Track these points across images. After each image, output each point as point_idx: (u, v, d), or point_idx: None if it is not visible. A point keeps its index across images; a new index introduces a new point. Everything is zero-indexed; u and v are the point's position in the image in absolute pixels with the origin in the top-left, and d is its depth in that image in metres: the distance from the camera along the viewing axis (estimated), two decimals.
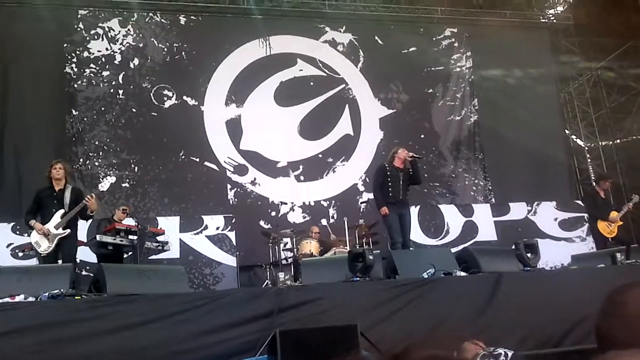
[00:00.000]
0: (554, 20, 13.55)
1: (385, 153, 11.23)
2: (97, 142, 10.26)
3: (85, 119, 10.31)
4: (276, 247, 8.90)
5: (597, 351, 1.17)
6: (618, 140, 13.57)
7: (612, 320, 1.16)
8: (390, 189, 7.33)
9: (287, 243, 9.10)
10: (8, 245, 8.47)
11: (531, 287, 5.31)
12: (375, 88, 11.92)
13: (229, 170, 10.68)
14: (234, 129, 10.95)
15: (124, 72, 10.72)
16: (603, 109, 13.45)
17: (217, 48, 11.33)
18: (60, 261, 6.37)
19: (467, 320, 4.86)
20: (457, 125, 12.14)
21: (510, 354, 2.38)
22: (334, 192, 10.91)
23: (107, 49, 10.72)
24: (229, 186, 10.63)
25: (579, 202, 11.44)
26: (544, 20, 13.47)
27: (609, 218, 8.36)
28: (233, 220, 9.63)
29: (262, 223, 10.39)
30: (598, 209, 8.55)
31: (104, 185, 6.13)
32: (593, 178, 13.28)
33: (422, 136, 11.90)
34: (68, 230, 6.45)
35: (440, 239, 10.38)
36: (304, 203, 10.82)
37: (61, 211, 6.48)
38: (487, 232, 10.50)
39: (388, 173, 7.43)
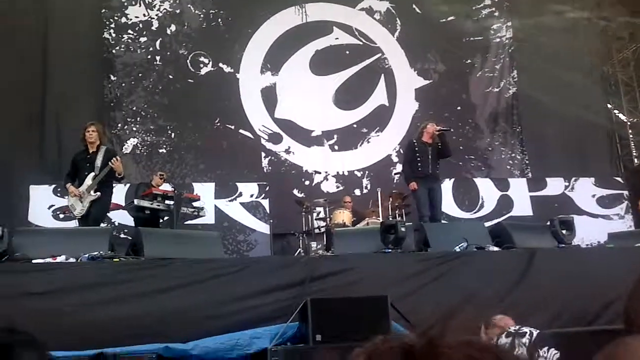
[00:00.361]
0: None
1: (420, 124, 11.19)
2: (134, 108, 10.38)
3: (123, 84, 10.43)
4: (309, 216, 8.96)
5: (623, 333, 1.16)
6: None
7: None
8: (419, 164, 7.36)
9: (320, 212, 9.14)
10: (50, 207, 8.74)
11: (565, 264, 5.28)
12: (411, 58, 11.72)
13: (264, 139, 10.72)
14: (269, 97, 10.94)
15: (161, 39, 10.76)
16: None
17: (253, 15, 11.25)
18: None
19: (499, 296, 4.87)
20: (496, 97, 11.89)
21: (535, 332, 2.38)
22: (368, 162, 10.85)
23: (144, 15, 10.76)
24: (263, 154, 10.68)
25: (619, 178, 11.20)
26: None
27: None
28: (267, 188, 9.72)
29: (295, 192, 10.44)
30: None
31: (127, 147, 6.15)
32: (635, 154, 12.94)
33: (459, 108, 11.70)
34: (98, 194, 6.48)
35: (475, 213, 10.29)
36: (337, 173, 10.81)
37: (92, 174, 6.55)
38: (522, 207, 10.37)
39: (416, 148, 7.47)
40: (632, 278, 4.40)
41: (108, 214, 8.50)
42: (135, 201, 7.28)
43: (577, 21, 12.38)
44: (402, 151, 10.68)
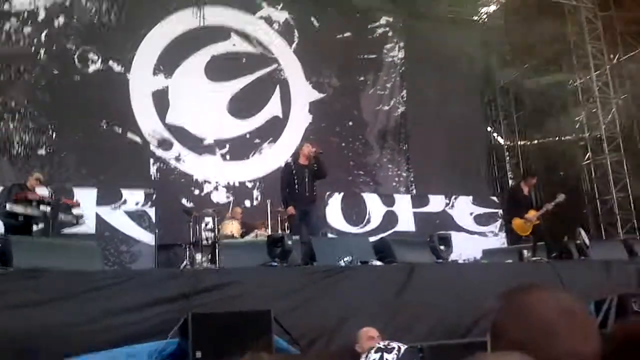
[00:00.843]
0: (486, 20, 13.95)
1: (313, 137, 11.34)
2: (13, 104, 9.67)
3: (0, 77, 9.69)
4: (197, 227, 8.75)
5: (493, 347, 1.23)
6: (536, 141, 14.22)
7: (509, 320, 1.22)
8: (297, 187, 7.42)
9: (209, 223, 8.98)
10: None
11: (442, 279, 5.54)
12: (307, 70, 11.88)
13: (153, 144, 10.36)
14: (161, 101, 10.60)
15: (47, 30, 10.12)
16: (525, 109, 14.03)
17: (149, 13, 10.87)
18: None
19: (381, 309, 5.01)
20: (385, 115, 12.32)
21: (403, 348, 2.48)
22: (260, 173, 10.81)
23: (30, 4, 10.07)
24: (151, 160, 10.31)
25: (495, 198, 11.97)
26: (476, 19, 13.84)
27: (526, 216, 8.04)
28: (154, 196, 9.40)
29: (184, 201, 10.18)
30: (517, 206, 8.29)
31: None
32: (510, 176, 13.90)
33: (351, 123, 12.01)
34: None
35: (362, 227, 10.58)
36: (228, 183, 10.69)
37: None
38: (406, 222, 10.81)
39: (294, 171, 7.53)
40: (502, 291, 4.65)
41: None
42: (7, 206, 6.75)
43: (464, 47, 13.13)
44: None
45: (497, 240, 11.43)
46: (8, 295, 3.97)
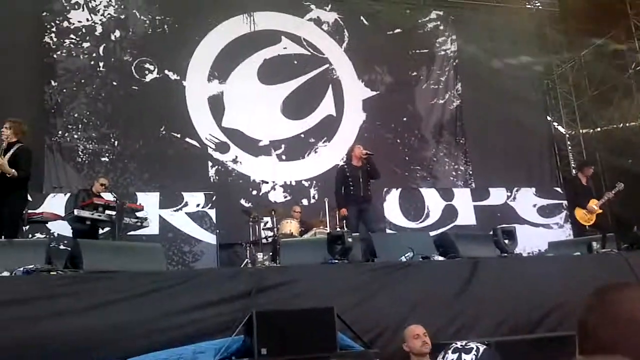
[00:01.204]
0: (540, 7, 13.55)
1: (367, 134, 11.32)
2: (76, 115, 10.06)
3: (64, 90, 10.09)
4: (256, 226, 8.85)
5: (581, 346, 1.15)
6: (599, 129, 13.68)
7: (600, 319, 1.14)
8: (352, 187, 7.62)
9: (267, 222, 9.06)
10: None
11: (507, 273, 5.39)
12: (359, 69, 11.85)
13: (211, 148, 10.58)
14: (216, 105, 10.82)
15: (104, 44, 10.49)
16: (585, 96, 13.53)
17: (201, 22, 11.13)
18: None
19: (444, 304, 4.92)
20: (440, 108, 12.15)
21: (482, 348, 2.40)
22: (316, 172, 10.86)
23: (87, 20, 10.47)
24: (210, 163, 10.54)
25: (558, 189, 11.58)
26: (529, 6, 13.46)
27: (588, 206, 8.11)
28: (214, 198, 9.57)
29: (242, 201, 10.35)
30: (578, 196, 8.27)
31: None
32: (573, 165, 13.42)
33: (405, 119, 11.89)
34: None
35: (420, 222, 10.43)
36: (285, 182, 10.78)
37: None
38: (466, 216, 10.59)
39: (348, 173, 7.72)
40: (572, 286, 4.50)
41: (47, 225, 8.23)
42: (75, 211, 7.01)
43: (518, 36, 12.80)
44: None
45: (563, 232, 11.05)
46: (78, 297, 4.11)
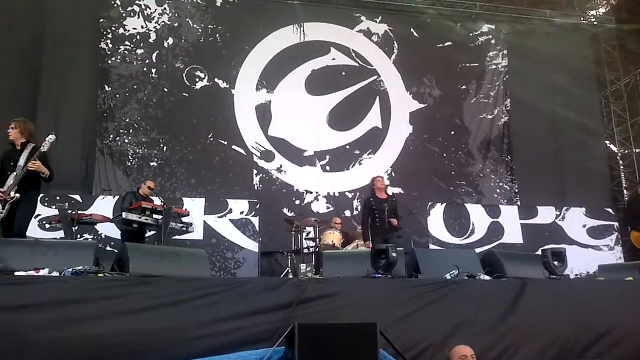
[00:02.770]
0: (595, 22, 13.22)
1: (412, 148, 11.23)
2: (127, 120, 10.32)
3: (117, 95, 10.37)
4: (299, 236, 8.88)
5: None
6: None
7: None
8: (377, 219, 7.83)
9: (309, 232, 9.08)
10: (36, 217, 8.58)
11: (556, 296, 5.22)
12: (407, 81, 11.78)
13: (256, 156, 10.68)
14: (263, 114, 10.93)
15: (157, 51, 10.74)
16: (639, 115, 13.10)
17: (251, 32, 11.28)
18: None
19: (489, 325, 4.80)
20: (489, 124, 11.94)
21: None
22: (359, 184, 10.81)
23: (142, 27, 10.75)
24: (254, 171, 10.63)
25: (610, 209, 11.22)
26: (584, 22, 13.14)
27: None
28: (257, 206, 9.66)
29: (285, 210, 10.39)
30: (635, 217, 7.97)
31: (45, 145, 5.72)
32: (625, 185, 12.99)
33: (452, 132, 11.74)
34: (17, 195, 5.74)
35: (465, 238, 10.27)
36: (328, 193, 10.78)
37: (14, 174, 5.84)
38: (513, 234, 10.38)
39: (373, 206, 7.92)
40: (623, 311, 4.35)
41: (95, 226, 8.42)
42: (123, 214, 7.18)
43: (572, 52, 12.50)
44: (394, 174, 10.76)
45: (613, 254, 10.72)
46: (124, 299, 4.16)
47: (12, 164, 5.90)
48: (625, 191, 12.88)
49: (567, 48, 12.49)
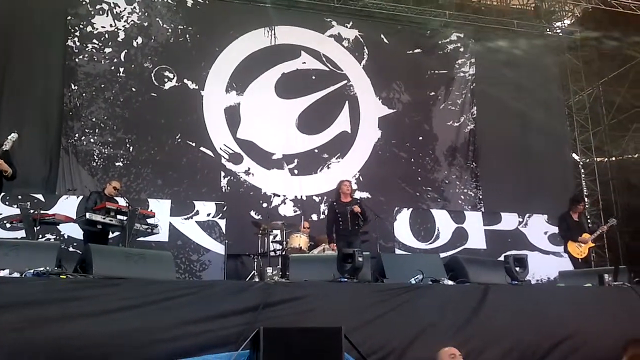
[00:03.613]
0: (560, 34, 13.56)
1: (381, 153, 11.33)
2: (94, 119, 10.15)
3: (84, 94, 10.19)
4: (265, 239, 8.86)
5: None
6: (613, 158, 13.61)
7: None
8: (341, 223, 7.87)
9: (276, 235, 9.07)
10: None
11: (518, 301, 5.34)
12: (377, 86, 11.86)
13: (224, 158, 10.62)
14: (233, 116, 10.87)
15: (126, 50, 10.59)
16: (601, 125, 13.48)
17: (222, 33, 11.22)
18: None
19: (452, 329, 4.87)
20: (455, 131, 12.11)
21: None
22: (327, 188, 10.76)
23: (111, 26, 10.59)
24: (222, 173, 10.56)
25: None
26: (550, 33, 13.47)
27: (580, 239, 8.50)
28: (224, 208, 9.60)
29: (252, 213, 10.35)
30: (570, 231, 8.68)
31: (7, 144, 5.63)
32: (586, 193, 13.35)
33: (421, 138, 11.87)
34: None
35: (430, 243, 10.39)
36: (295, 197, 10.77)
37: None
38: (477, 240, 10.53)
39: (337, 210, 7.98)
40: (583, 317, 4.49)
41: (58, 227, 8.28)
42: (87, 215, 7.06)
43: (537, 62, 12.79)
44: (362, 178, 10.84)
45: None
46: (87, 302, 4.11)
47: None
48: (586, 199, 13.23)
49: (533, 58, 12.77)
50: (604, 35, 12.39)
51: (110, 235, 7.64)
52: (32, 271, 4.28)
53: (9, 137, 5.92)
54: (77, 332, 3.95)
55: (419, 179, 11.63)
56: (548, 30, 13.45)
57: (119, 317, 4.08)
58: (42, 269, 4.31)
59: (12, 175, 5.94)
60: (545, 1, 12.93)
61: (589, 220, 9.92)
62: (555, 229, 10.99)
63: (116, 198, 7.84)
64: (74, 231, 8.36)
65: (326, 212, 8.40)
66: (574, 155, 13.41)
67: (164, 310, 4.21)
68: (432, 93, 12.19)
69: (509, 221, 10.93)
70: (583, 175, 13.50)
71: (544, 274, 10.18)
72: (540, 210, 11.25)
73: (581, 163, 13.57)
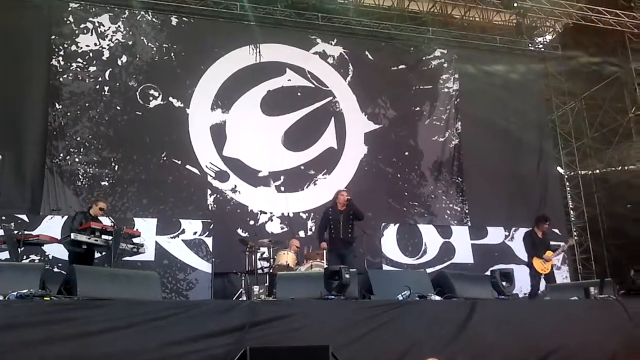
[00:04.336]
0: (542, 49, 13.76)
1: (367, 168, 11.36)
2: (78, 138, 10.10)
3: (68, 113, 10.15)
4: (253, 256, 8.83)
5: None
6: (597, 171, 13.75)
7: None
8: (332, 230, 8.15)
9: (264, 253, 9.04)
10: None
11: (505, 316, 5.34)
12: (362, 102, 11.94)
13: (210, 176, 10.59)
14: (218, 134, 10.87)
15: (110, 69, 10.59)
16: (584, 138, 13.64)
17: (207, 52, 11.26)
18: None
19: (440, 345, 4.86)
20: (440, 146, 12.20)
21: None
22: (314, 204, 10.82)
23: (95, 45, 10.59)
24: (209, 191, 10.53)
25: (557, 230, 11.57)
26: (532, 48, 13.66)
27: (544, 256, 9.01)
28: (211, 226, 9.57)
29: (239, 231, 10.31)
30: (535, 248, 9.18)
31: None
32: (571, 206, 13.46)
33: (407, 153, 11.94)
34: None
35: (417, 259, 10.42)
36: (282, 214, 10.76)
37: None
38: (464, 254, 10.59)
39: (330, 216, 8.25)
40: (570, 330, 4.49)
41: (42, 247, 8.19)
42: (72, 235, 6.99)
43: (520, 77, 12.94)
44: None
45: (559, 274, 11.01)
46: (72, 324, 4.06)
47: None
48: (572, 212, 13.35)
49: (516, 73, 12.93)
50: (585, 50, 12.58)
51: (96, 255, 7.57)
52: (15, 293, 4.22)
53: None
54: (62, 355, 3.89)
55: (406, 194, 11.68)
56: (530, 45, 13.64)
57: (105, 339, 4.03)
58: (25, 291, 4.25)
59: None
60: (527, 17, 13.11)
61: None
62: None
63: (101, 218, 7.78)
64: (59, 252, 8.29)
65: (321, 217, 8.60)
66: (558, 168, 13.54)
67: (150, 331, 4.15)
68: (417, 108, 12.29)
69: (495, 235, 11.01)
70: (568, 189, 13.63)
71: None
72: (526, 224, 11.31)
73: (566, 176, 13.70)
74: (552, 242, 9.49)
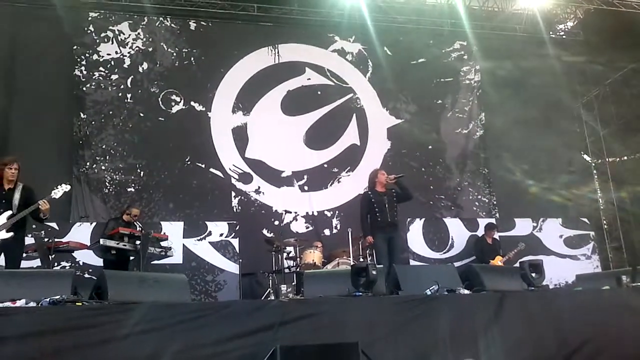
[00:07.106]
0: (564, 36, 13.53)
1: (391, 163, 11.29)
2: (104, 146, 10.25)
3: (93, 122, 10.31)
4: (279, 256, 8.87)
5: None
6: (625, 157, 13.47)
7: None
8: (378, 214, 7.64)
9: (290, 252, 9.07)
10: None
11: (535, 307, 5.29)
12: (383, 98, 11.89)
13: (234, 178, 10.66)
14: (240, 136, 10.94)
15: (132, 76, 10.73)
16: (611, 125, 13.38)
17: (226, 54, 11.33)
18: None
19: (469, 339, 4.83)
20: (464, 138, 12.09)
21: None
22: (338, 202, 10.84)
23: (116, 52, 10.74)
24: (233, 193, 10.60)
25: (585, 219, 11.40)
26: (553, 36, 13.44)
27: (492, 262, 9.30)
28: (237, 228, 9.63)
29: (265, 231, 10.36)
30: (484, 253, 9.60)
31: (57, 192, 5.84)
32: (600, 195, 13.21)
33: (430, 147, 11.85)
34: (11, 234, 6.05)
35: (445, 253, 10.34)
36: (307, 213, 10.77)
37: (8, 212, 6.10)
38: None
39: (372, 200, 7.74)
40: (602, 320, 4.45)
41: (73, 254, 8.34)
42: (101, 241, 7.11)
43: (542, 66, 12.74)
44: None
45: (590, 263, 10.88)
46: (104, 328, 4.12)
47: (4, 201, 6.07)
48: (600, 200, 13.12)
49: (537, 62, 12.72)
50: (608, 36, 12.34)
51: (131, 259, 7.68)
52: (47, 300, 4.30)
53: (60, 187, 6.21)
54: (94, 359, 3.95)
55: (431, 187, 11.59)
56: (551, 33, 13.42)
57: (135, 343, 4.08)
58: (57, 297, 4.32)
59: (46, 218, 6.28)
60: (547, 4, 12.88)
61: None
62: (571, 232, 10.97)
63: (135, 224, 7.88)
64: (89, 258, 8.43)
65: (360, 203, 8.08)
66: (585, 156, 13.32)
67: (179, 333, 4.20)
68: (439, 101, 12.19)
69: (523, 226, 10.88)
70: (595, 177, 13.39)
71: (561, 278, 10.13)
72: (554, 214, 11.19)
73: (593, 164, 13.46)
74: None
